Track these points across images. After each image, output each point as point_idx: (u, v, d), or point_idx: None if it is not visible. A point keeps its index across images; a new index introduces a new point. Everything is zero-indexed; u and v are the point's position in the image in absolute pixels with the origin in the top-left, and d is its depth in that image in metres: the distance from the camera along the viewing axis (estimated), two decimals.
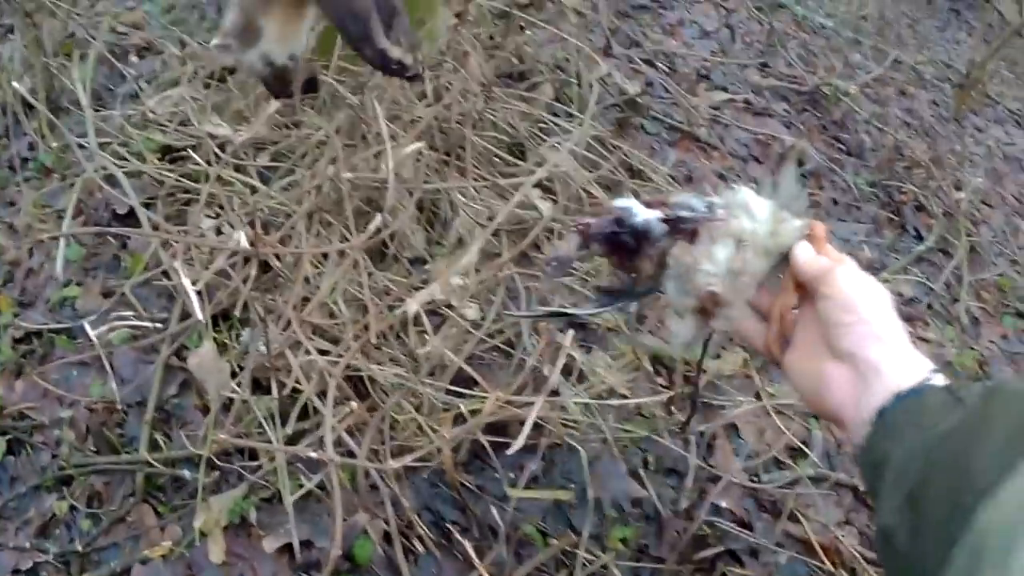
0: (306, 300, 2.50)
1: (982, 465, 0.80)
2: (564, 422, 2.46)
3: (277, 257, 2.63)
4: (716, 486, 2.56)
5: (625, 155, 3.55)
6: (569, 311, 1.51)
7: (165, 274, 2.70)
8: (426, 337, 2.49)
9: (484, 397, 2.32)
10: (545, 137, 3.34)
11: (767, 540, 2.55)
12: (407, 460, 2.10)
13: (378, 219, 2.38)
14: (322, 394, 2.25)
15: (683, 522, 2.48)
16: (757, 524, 2.60)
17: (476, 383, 2.46)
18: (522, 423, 2.14)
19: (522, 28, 3.89)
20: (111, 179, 2.90)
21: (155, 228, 2.75)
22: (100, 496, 2.33)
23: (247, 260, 2.53)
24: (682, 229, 1.22)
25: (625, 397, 2.56)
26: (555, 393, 2.43)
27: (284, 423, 2.30)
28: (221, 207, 2.82)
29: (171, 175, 2.95)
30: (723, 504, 2.57)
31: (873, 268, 3.98)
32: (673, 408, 2.65)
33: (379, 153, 2.70)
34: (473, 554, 2.21)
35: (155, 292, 2.73)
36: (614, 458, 2.50)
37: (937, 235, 4.38)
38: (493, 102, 3.28)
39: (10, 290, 2.84)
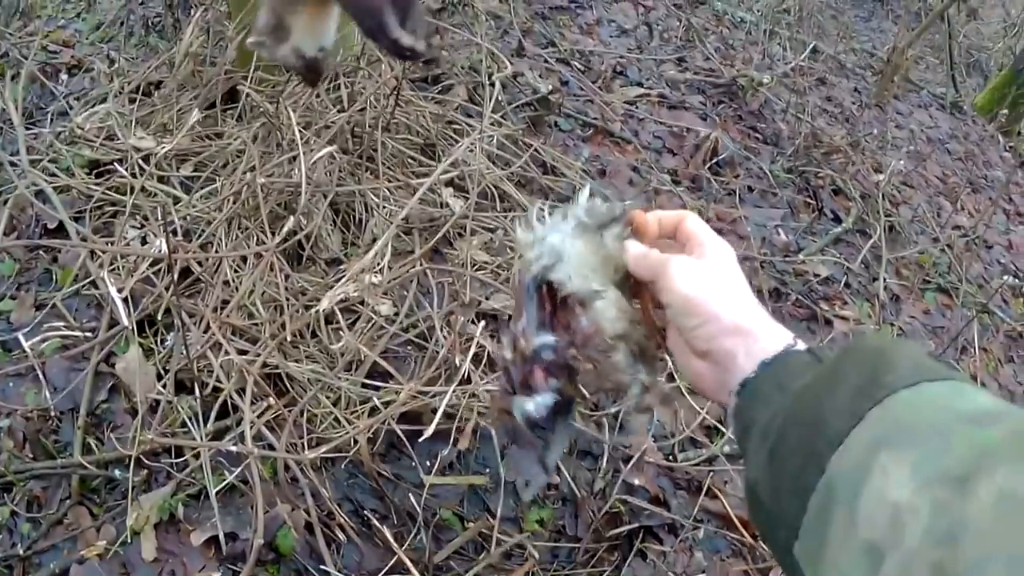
0: (226, 303, 2.59)
1: (834, 416, 0.84)
2: (478, 411, 2.53)
3: (199, 263, 2.71)
4: (627, 466, 2.64)
5: (538, 152, 3.64)
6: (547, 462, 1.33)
7: (94, 284, 2.77)
8: (342, 334, 2.58)
9: (399, 389, 2.41)
10: (457, 138, 3.42)
11: (685, 516, 2.66)
12: (322, 451, 2.19)
13: (291, 221, 2.47)
14: (241, 391, 2.34)
15: (599, 502, 2.57)
16: (673, 501, 2.70)
17: (391, 376, 2.55)
18: (436, 412, 2.23)
19: (437, 32, 3.98)
20: (42, 194, 2.97)
21: (83, 240, 2.82)
22: (39, 500, 2.39)
23: (170, 267, 2.60)
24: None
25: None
26: (467, 381, 2.51)
27: (207, 421, 2.39)
28: (146, 217, 2.90)
29: (98, 188, 3.02)
30: (637, 483, 2.66)
31: (789, 251, 4.09)
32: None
33: (294, 158, 2.79)
34: (393, 540, 2.30)
35: (85, 302, 2.79)
36: (528, 443, 2.59)
37: (855, 217, 4.49)
38: (406, 105, 3.37)
39: None
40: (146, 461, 2.38)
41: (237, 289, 2.62)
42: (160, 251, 2.61)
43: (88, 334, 2.66)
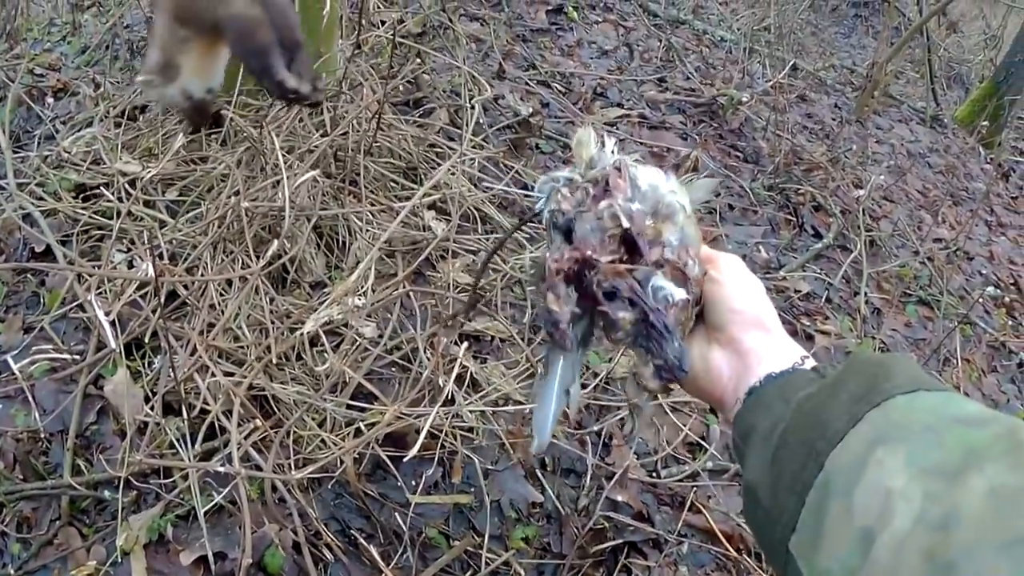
0: (212, 325, 2.62)
1: (834, 419, 0.89)
2: (461, 430, 2.59)
3: (185, 286, 2.74)
4: (610, 483, 2.67)
5: (519, 174, 3.68)
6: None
7: (81, 307, 2.79)
8: (326, 356, 2.61)
9: (384, 410, 2.45)
10: (439, 161, 3.45)
11: (669, 531, 2.70)
12: (309, 471, 2.22)
13: (275, 244, 2.50)
14: (228, 413, 2.36)
15: (583, 519, 2.60)
16: (657, 517, 2.73)
17: (376, 397, 2.59)
18: (419, 432, 2.27)
19: (419, 56, 4.01)
20: (29, 218, 3.00)
21: (70, 263, 2.85)
22: (29, 521, 2.41)
23: (156, 290, 2.63)
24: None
25: (520, 403, 2.69)
26: (451, 402, 2.55)
27: (195, 442, 2.42)
28: (132, 241, 2.93)
29: (85, 212, 3.05)
30: (620, 499, 2.69)
31: (770, 267, 4.13)
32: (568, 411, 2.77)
33: (277, 182, 2.82)
34: (380, 559, 2.34)
35: (72, 325, 2.81)
36: (511, 462, 2.63)
37: (836, 232, 4.53)
38: (388, 128, 3.41)
39: None
40: (135, 482, 2.41)
41: (223, 312, 2.65)
42: (147, 274, 2.64)
43: (76, 357, 2.68)
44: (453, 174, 3.24)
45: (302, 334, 2.56)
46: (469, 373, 2.71)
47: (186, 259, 2.84)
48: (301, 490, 2.41)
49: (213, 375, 2.44)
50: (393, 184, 3.30)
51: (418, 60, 3.95)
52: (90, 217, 3.05)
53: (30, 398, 2.62)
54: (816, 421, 0.91)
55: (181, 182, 3.14)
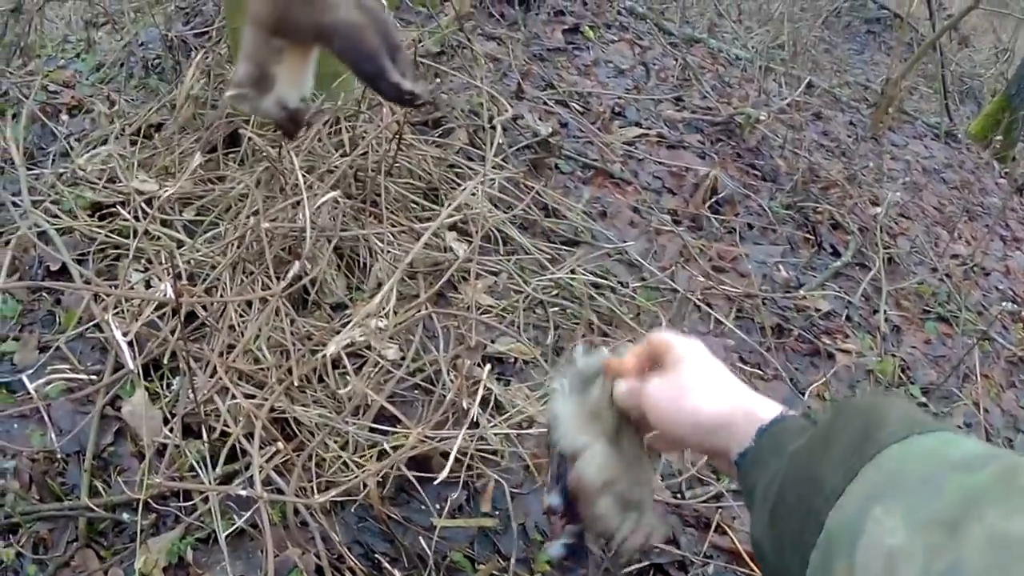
0: (232, 347, 2.59)
1: (829, 474, 0.87)
2: (486, 453, 2.56)
3: (204, 307, 2.71)
4: None
5: (540, 194, 3.66)
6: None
7: (97, 327, 2.76)
8: (348, 378, 2.59)
9: (407, 433, 2.42)
10: (460, 181, 3.44)
11: (695, 553, 2.66)
12: (332, 494, 2.20)
13: (296, 266, 2.48)
14: (249, 435, 2.34)
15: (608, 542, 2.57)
16: (682, 539, 2.71)
17: (399, 420, 2.56)
18: (444, 455, 2.24)
19: (436, 76, 4.00)
20: (44, 236, 2.98)
21: (87, 283, 2.82)
22: (45, 542, 2.37)
23: (175, 311, 2.61)
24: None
25: (544, 426, 2.64)
26: (476, 425, 2.53)
27: (215, 465, 2.40)
28: (149, 261, 2.91)
29: (101, 231, 3.03)
30: None
31: (790, 287, 4.11)
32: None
33: (297, 203, 2.80)
34: None
35: (89, 345, 2.79)
36: (536, 484, 2.60)
37: (854, 250, 4.51)
38: (408, 149, 3.39)
39: None
40: (154, 505, 2.37)
41: (243, 334, 2.62)
42: (165, 295, 2.61)
43: (93, 377, 2.65)
44: (475, 195, 3.21)
45: (324, 356, 2.53)
46: (493, 395, 2.68)
47: (205, 279, 2.82)
48: (324, 513, 2.37)
49: (234, 397, 2.42)
50: (414, 205, 3.29)
51: (436, 80, 3.94)
52: (106, 236, 3.02)
53: (46, 418, 2.58)
54: (810, 476, 0.90)
55: (199, 201, 3.12)
